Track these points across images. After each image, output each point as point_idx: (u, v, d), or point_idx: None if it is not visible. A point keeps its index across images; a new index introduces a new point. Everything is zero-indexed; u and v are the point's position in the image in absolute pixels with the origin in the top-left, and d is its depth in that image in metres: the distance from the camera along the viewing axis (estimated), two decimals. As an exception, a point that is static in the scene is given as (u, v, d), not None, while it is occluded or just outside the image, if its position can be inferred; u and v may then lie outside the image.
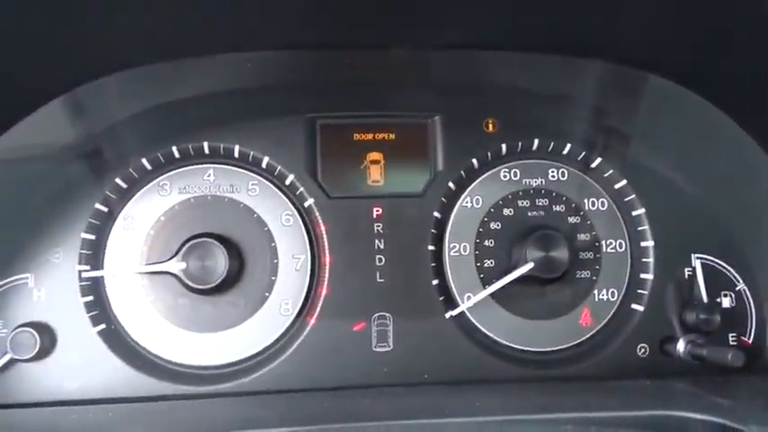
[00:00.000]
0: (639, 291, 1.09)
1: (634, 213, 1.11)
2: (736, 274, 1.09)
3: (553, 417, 0.81)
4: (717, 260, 1.09)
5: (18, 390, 0.97)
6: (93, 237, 1.02)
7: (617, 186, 1.11)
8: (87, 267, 1.02)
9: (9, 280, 0.99)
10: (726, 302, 1.09)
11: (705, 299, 1.07)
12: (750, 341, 1.07)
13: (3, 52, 0.75)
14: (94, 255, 1.03)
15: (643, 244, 1.10)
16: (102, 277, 1.03)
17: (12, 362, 0.97)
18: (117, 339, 1.02)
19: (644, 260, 1.10)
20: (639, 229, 1.10)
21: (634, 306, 1.09)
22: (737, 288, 1.09)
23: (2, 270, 0.99)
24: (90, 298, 1.01)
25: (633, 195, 1.10)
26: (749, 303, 1.08)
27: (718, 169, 1.08)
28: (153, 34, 0.90)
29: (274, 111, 1.06)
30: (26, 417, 0.93)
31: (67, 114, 0.97)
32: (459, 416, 0.81)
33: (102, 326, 1.01)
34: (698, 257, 1.09)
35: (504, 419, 0.79)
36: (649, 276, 1.09)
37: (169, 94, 1.02)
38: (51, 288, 1.00)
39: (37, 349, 0.96)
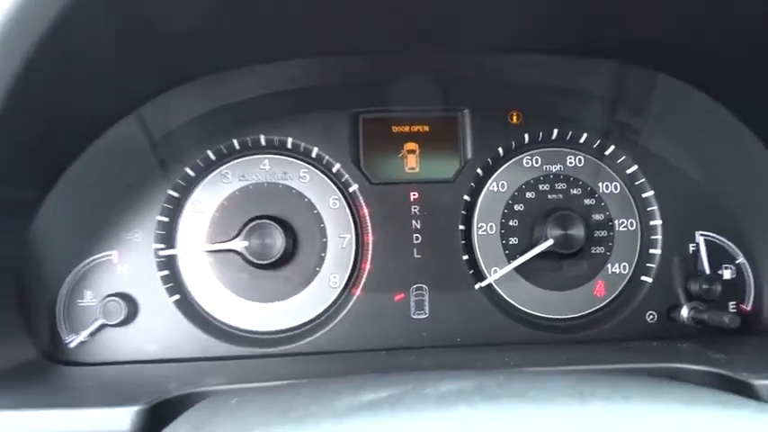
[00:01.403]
0: (648, 264, 1.21)
1: (644, 195, 1.22)
2: (736, 249, 1.20)
3: (572, 369, 0.94)
4: (718, 236, 1.20)
5: (107, 350, 1.12)
6: (166, 219, 1.17)
7: (629, 171, 1.22)
8: (162, 246, 1.16)
9: (97, 256, 1.14)
10: (727, 274, 1.20)
11: (708, 271, 1.18)
12: (749, 308, 1.19)
13: (86, 67, 0.88)
14: (168, 235, 1.17)
15: (652, 223, 1.21)
16: (176, 254, 1.18)
17: (101, 327, 1.12)
18: (189, 308, 1.16)
19: (653, 237, 1.21)
20: (649, 209, 1.21)
21: (644, 278, 1.20)
22: (737, 261, 1.20)
23: (91, 248, 1.14)
24: (166, 272, 1.15)
25: (643, 179, 1.21)
26: (748, 275, 1.20)
27: (721, 157, 1.18)
28: (219, 47, 1.03)
29: (323, 107, 1.18)
30: (114, 373, 1.08)
31: (148, 119, 1.11)
32: (491, 369, 0.94)
33: (177, 296, 1.15)
34: (701, 234, 1.20)
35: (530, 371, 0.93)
36: (657, 251, 1.20)
37: (232, 96, 1.14)
38: (133, 263, 1.15)
39: (123, 316, 1.12)
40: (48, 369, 1.06)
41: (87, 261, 1.14)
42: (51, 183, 1.03)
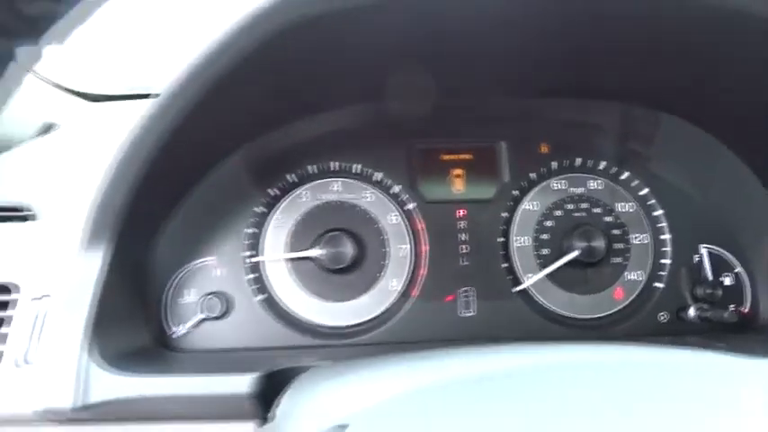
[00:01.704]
0: (660, 273, 1.40)
1: (655, 214, 1.42)
2: (734, 260, 1.40)
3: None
4: (720, 249, 1.40)
5: (206, 340, 1.33)
6: (254, 230, 1.40)
7: (641, 193, 1.44)
8: (251, 253, 1.38)
9: (199, 260, 1.36)
10: (727, 281, 1.39)
11: (710, 278, 1.38)
12: (746, 310, 1.39)
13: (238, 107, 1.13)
14: (255, 244, 1.39)
15: (662, 237, 1.42)
16: (262, 261, 1.40)
17: (201, 320, 1.34)
18: (272, 306, 1.37)
19: (663, 249, 1.41)
20: (659, 225, 1.42)
21: (656, 284, 1.40)
22: (736, 270, 1.40)
23: (194, 254, 1.36)
24: (254, 275, 1.38)
25: (654, 200, 1.42)
26: (745, 281, 1.39)
27: (720, 183, 1.39)
28: (312, 96, 1.28)
29: (384, 140, 1.42)
30: (218, 355, 1.30)
31: (246, 152, 1.36)
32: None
33: (263, 296, 1.37)
34: (705, 247, 1.40)
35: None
36: (668, 261, 1.40)
37: (312, 132, 1.37)
38: (227, 267, 1.36)
39: (221, 311, 1.34)
40: (163, 353, 1.28)
41: (190, 265, 1.36)
42: (175, 200, 1.27)
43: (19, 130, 1.53)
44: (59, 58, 1.69)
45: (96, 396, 1.03)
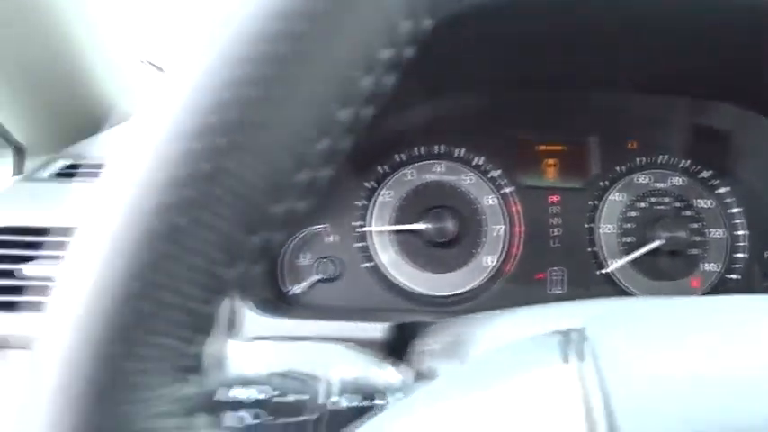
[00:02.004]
0: (734, 265, 1.51)
1: (732, 211, 1.53)
2: (803, 258, 1.53)
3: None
4: (790, 247, 1.53)
5: (319, 299, 1.46)
6: (364, 203, 1.52)
7: (720, 191, 1.55)
8: (360, 224, 1.52)
9: (315, 227, 1.49)
10: None
11: (781, 272, 1.52)
12: (814, 304, 1.51)
13: None
14: (364, 215, 1.52)
15: (737, 233, 1.53)
16: (369, 231, 1.53)
17: (315, 282, 1.47)
18: (376, 273, 1.48)
19: (737, 244, 1.52)
20: (735, 222, 1.52)
21: (730, 276, 1.51)
22: (804, 267, 1.53)
23: (310, 220, 1.50)
24: (361, 244, 1.50)
25: (732, 198, 1.53)
26: (811, 278, 1.52)
27: None
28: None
29: (486, 129, 1.53)
30: (333, 311, 1.42)
31: (365, 140, 1.47)
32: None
33: (368, 263, 1.50)
34: None
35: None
36: (741, 255, 1.51)
37: (420, 119, 1.50)
38: (339, 234, 1.49)
39: (333, 273, 1.47)
40: (287, 306, 1.41)
41: (306, 230, 1.49)
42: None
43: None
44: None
45: (249, 333, 1.16)
